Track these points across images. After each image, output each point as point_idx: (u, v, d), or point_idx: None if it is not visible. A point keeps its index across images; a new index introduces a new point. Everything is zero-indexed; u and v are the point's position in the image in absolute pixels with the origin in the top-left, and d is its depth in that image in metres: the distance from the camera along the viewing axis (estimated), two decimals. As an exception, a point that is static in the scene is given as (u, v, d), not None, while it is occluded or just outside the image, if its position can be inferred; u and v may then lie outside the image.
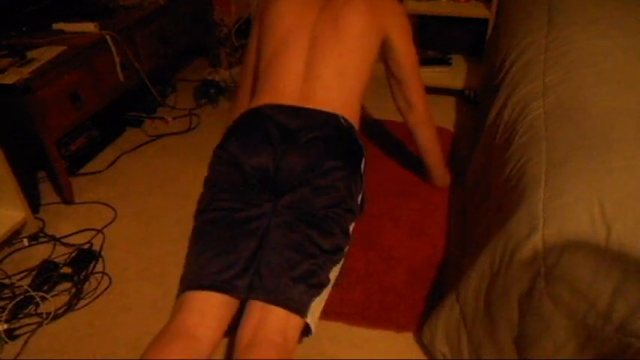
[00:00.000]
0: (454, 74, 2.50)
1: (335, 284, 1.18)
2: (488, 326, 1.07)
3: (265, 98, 1.28)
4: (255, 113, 1.26)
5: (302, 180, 1.16)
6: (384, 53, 1.46)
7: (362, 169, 1.26)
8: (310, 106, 1.25)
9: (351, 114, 1.29)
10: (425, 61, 2.55)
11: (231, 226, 1.14)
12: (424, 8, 2.39)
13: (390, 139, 2.11)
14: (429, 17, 2.55)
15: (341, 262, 1.19)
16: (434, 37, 2.69)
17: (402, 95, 1.53)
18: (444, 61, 2.56)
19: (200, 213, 1.21)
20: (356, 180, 1.22)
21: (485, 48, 2.29)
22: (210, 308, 1.06)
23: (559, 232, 0.91)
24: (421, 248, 1.57)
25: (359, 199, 1.25)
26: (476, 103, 2.31)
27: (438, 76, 2.47)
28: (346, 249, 1.20)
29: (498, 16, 2.17)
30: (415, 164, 1.91)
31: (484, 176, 1.46)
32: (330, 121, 1.24)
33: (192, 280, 1.10)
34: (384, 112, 2.24)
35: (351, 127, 1.28)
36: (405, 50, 1.45)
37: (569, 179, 0.98)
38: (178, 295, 1.12)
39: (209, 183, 1.25)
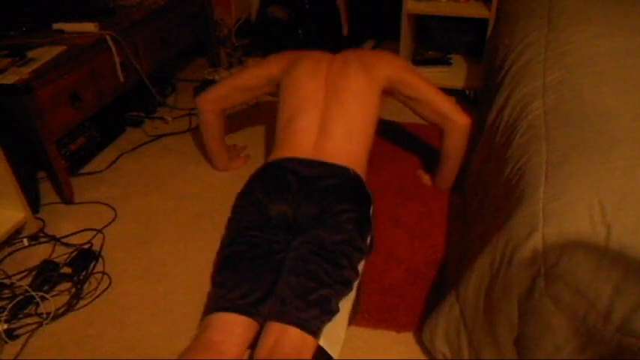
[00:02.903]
0: (454, 74, 2.51)
1: (351, 317, 1.31)
2: (488, 326, 1.07)
3: (284, 152, 1.48)
4: (276, 165, 1.46)
5: (316, 221, 1.33)
6: (397, 95, 1.62)
7: (370, 215, 1.42)
8: (323, 159, 1.44)
9: (358, 166, 1.47)
10: (425, 61, 2.55)
11: (255, 258, 1.29)
12: (424, 8, 2.39)
13: (391, 140, 2.11)
14: (429, 17, 2.55)
15: (350, 295, 1.31)
16: (434, 37, 2.69)
17: (432, 112, 1.61)
18: (444, 61, 2.57)
19: (227, 246, 1.36)
20: (364, 223, 1.38)
21: (485, 48, 2.29)
22: (234, 328, 1.18)
23: (559, 232, 0.91)
24: (421, 248, 1.57)
25: (368, 240, 1.39)
26: (476, 103, 2.31)
27: (438, 76, 2.47)
28: (354, 284, 1.32)
29: (498, 16, 2.17)
30: (416, 165, 1.92)
31: (484, 176, 1.46)
32: (341, 172, 1.42)
33: (219, 303, 1.22)
34: (386, 112, 2.24)
35: (359, 177, 1.46)
36: (410, 80, 1.59)
37: (569, 179, 0.98)
38: (203, 317, 1.26)
39: (234, 222, 1.42)
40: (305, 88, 1.55)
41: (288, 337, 1.13)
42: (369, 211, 1.42)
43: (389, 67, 1.59)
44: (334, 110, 1.50)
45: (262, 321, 1.20)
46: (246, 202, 1.41)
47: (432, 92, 1.60)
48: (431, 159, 1.92)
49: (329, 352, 1.17)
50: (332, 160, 1.43)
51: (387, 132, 2.16)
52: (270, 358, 1.11)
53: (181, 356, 1.15)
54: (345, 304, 1.28)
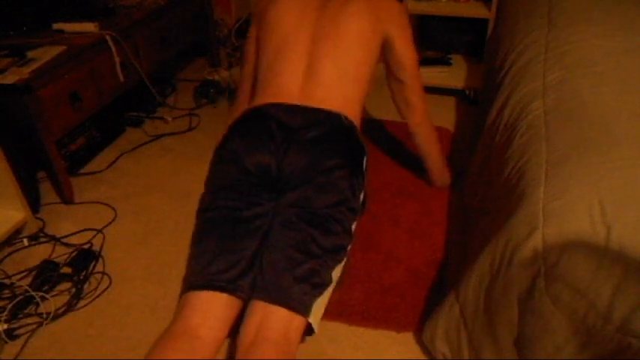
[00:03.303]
0: (454, 74, 2.50)
1: (337, 283, 1.19)
2: (488, 326, 1.07)
3: (266, 97, 1.29)
4: (257, 112, 1.26)
5: (304, 178, 1.17)
6: (385, 53, 1.46)
7: (364, 168, 1.27)
8: (311, 104, 1.25)
9: (352, 113, 1.29)
10: (425, 61, 2.55)
11: (233, 225, 1.14)
12: (424, 8, 2.39)
13: (390, 139, 2.11)
14: (429, 17, 2.55)
15: (343, 262, 1.19)
16: (434, 37, 2.69)
17: (401, 96, 1.54)
18: (444, 61, 2.56)
19: (202, 212, 1.22)
20: (358, 179, 1.22)
21: (486, 48, 2.29)
22: (213, 308, 1.06)
23: (559, 232, 0.91)
24: (421, 248, 1.57)
25: (361, 197, 1.25)
26: (476, 103, 2.31)
27: (438, 76, 2.47)
28: (349, 248, 1.20)
29: (498, 16, 2.17)
30: (415, 164, 1.91)
31: (484, 176, 1.46)
32: (331, 119, 1.24)
33: (195, 280, 1.10)
34: (384, 112, 2.24)
35: (352, 125, 1.28)
36: (405, 51, 1.45)
37: (569, 179, 0.98)
38: (181, 295, 1.13)
39: (211, 182, 1.25)
40: (289, 23, 1.34)
41: (273, 317, 1.03)
42: (362, 163, 1.26)
43: (395, 27, 1.42)
44: (327, 49, 1.30)
45: (245, 297, 1.09)
46: (223, 157, 1.24)
47: (415, 78, 1.50)
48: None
49: (313, 326, 1.08)
50: (321, 105, 1.25)
51: (386, 132, 2.16)
52: (255, 343, 1.01)
53: (156, 345, 1.03)
54: (336, 271, 1.17)
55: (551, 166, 1.04)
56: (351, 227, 1.20)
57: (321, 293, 1.10)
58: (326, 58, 1.29)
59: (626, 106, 1.15)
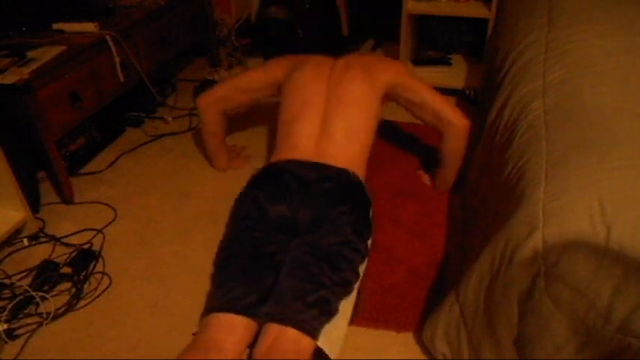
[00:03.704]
0: (454, 74, 2.51)
1: (352, 317, 1.31)
2: (488, 326, 1.07)
3: (285, 154, 1.49)
4: (277, 167, 1.47)
5: (315, 224, 1.34)
6: (398, 99, 1.64)
7: (370, 217, 1.43)
8: (324, 161, 1.44)
9: (358, 169, 1.49)
10: (425, 61, 2.55)
11: (254, 259, 1.30)
12: (424, 8, 2.39)
13: (391, 140, 2.11)
14: (429, 17, 2.55)
15: (350, 297, 1.30)
16: (434, 37, 2.69)
17: (432, 115, 1.62)
18: (444, 61, 2.57)
19: (226, 246, 1.38)
20: (363, 225, 1.38)
21: (486, 48, 2.29)
22: (234, 328, 1.18)
23: (559, 232, 0.91)
24: (421, 248, 1.57)
25: (368, 243, 1.39)
26: (476, 103, 2.31)
27: (438, 76, 2.47)
28: (355, 285, 1.32)
29: (498, 16, 2.17)
30: (415, 165, 1.91)
31: (484, 176, 1.47)
32: (340, 174, 1.43)
33: (218, 304, 1.23)
34: (385, 112, 2.24)
35: (358, 180, 1.47)
36: (410, 84, 1.61)
37: (569, 179, 0.98)
38: (202, 317, 1.26)
39: (234, 223, 1.42)
40: (307, 92, 1.56)
41: (286, 337, 1.14)
42: (368, 213, 1.42)
43: (389, 73, 1.61)
44: (335, 114, 1.51)
45: (261, 322, 1.20)
46: (246, 202, 1.42)
47: (431, 95, 1.61)
48: (431, 159, 1.92)
49: (327, 352, 1.17)
50: (332, 162, 1.45)
51: (387, 132, 2.16)
52: (267, 358, 1.11)
53: (181, 355, 1.15)
54: (346, 306, 1.28)
55: (551, 166, 1.04)
56: (357, 267, 1.33)
57: (328, 320, 1.21)
58: (336, 122, 1.50)
59: (626, 106, 1.15)
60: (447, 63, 2.56)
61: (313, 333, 1.16)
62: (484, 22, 2.34)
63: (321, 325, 1.19)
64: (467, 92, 2.41)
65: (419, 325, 1.31)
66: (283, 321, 1.16)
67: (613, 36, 1.46)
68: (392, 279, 1.46)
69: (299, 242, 1.32)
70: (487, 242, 1.07)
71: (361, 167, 1.51)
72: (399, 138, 2.12)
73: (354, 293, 1.32)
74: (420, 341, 1.28)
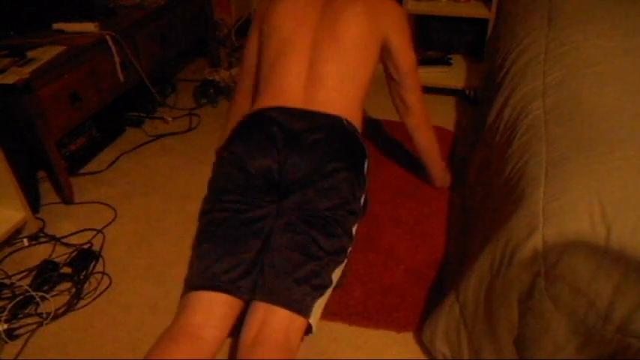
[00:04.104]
0: (454, 74, 2.51)
1: (337, 285, 1.20)
2: (488, 326, 1.07)
3: (268, 101, 1.30)
4: (259, 115, 1.28)
5: (305, 181, 1.18)
6: (383, 54, 1.47)
7: (365, 171, 1.29)
8: (313, 108, 1.27)
9: (353, 116, 1.31)
10: (425, 61, 2.55)
11: (236, 227, 1.16)
12: (424, 8, 2.39)
13: (389, 140, 2.11)
14: (429, 17, 2.55)
15: (344, 263, 1.21)
16: (434, 37, 2.69)
17: (399, 96, 1.54)
18: (444, 61, 2.57)
19: (204, 214, 1.23)
20: (359, 181, 1.24)
21: (486, 48, 2.29)
22: (214, 308, 1.08)
23: (559, 232, 0.91)
24: (421, 248, 1.57)
25: (362, 200, 1.27)
26: (476, 103, 2.31)
27: (438, 76, 2.47)
28: (349, 250, 1.22)
29: (498, 16, 2.17)
30: (415, 164, 1.91)
31: (484, 176, 1.46)
32: (332, 123, 1.26)
33: (197, 280, 1.12)
34: (384, 112, 2.24)
35: (353, 129, 1.30)
36: (403, 52, 1.45)
37: (569, 179, 0.98)
38: (182, 295, 1.14)
39: (213, 185, 1.27)
40: (293, 26, 1.34)
41: (275, 318, 1.05)
42: (363, 166, 1.28)
43: (394, 30, 1.42)
44: (328, 53, 1.30)
45: (247, 297, 1.10)
46: (226, 160, 1.26)
47: (412, 77, 1.50)
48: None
49: (313, 327, 1.10)
50: (323, 109, 1.27)
51: (386, 132, 2.16)
52: (256, 343, 1.02)
53: (158, 342, 1.04)
54: (336, 273, 1.18)
55: (551, 166, 1.04)
56: (351, 229, 1.22)
57: (321, 294, 1.12)
58: (327, 62, 1.30)
59: (626, 106, 1.15)
60: (447, 63, 2.56)
61: (305, 311, 1.07)
62: (484, 22, 2.35)
63: (313, 301, 1.09)
64: (467, 92, 2.41)
65: (419, 325, 1.31)
66: (272, 300, 1.06)
67: (613, 36, 1.46)
68: (392, 279, 1.46)
69: (288, 205, 1.18)
70: (487, 242, 1.07)
71: (356, 113, 1.33)
72: (399, 138, 2.12)
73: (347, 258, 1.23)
74: (420, 341, 1.28)
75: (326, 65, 1.30)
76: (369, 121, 2.22)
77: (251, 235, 1.15)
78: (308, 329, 1.11)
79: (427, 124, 1.60)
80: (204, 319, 1.06)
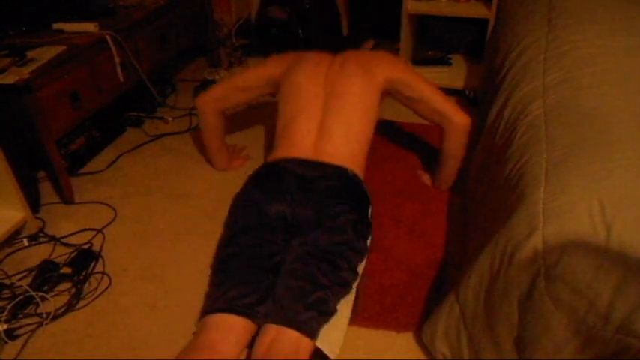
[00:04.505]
0: (454, 74, 2.51)
1: (350, 320, 1.30)
2: (488, 326, 1.07)
3: (283, 153, 1.48)
4: (275, 166, 1.46)
5: (314, 223, 1.33)
6: (397, 95, 1.63)
7: (369, 215, 1.42)
8: (322, 160, 1.44)
9: (357, 167, 1.48)
10: (425, 61, 2.55)
11: (252, 260, 1.29)
12: (424, 8, 2.39)
13: (390, 140, 2.11)
14: (429, 17, 2.55)
15: (349, 296, 1.30)
16: (434, 37, 2.69)
17: (432, 112, 1.62)
18: (444, 61, 2.57)
19: (224, 247, 1.36)
20: (363, 224, 1.38)
21: (486, 48, 2.29)
22: (232, 328, 1.18)
23: (559, 232, 0.91)
24: (421, 248, 1.57)
25: (367, 242, 1.39)
26: (476, 103, 2.31)
27: (438, 76, 2.48)
28: (354, 285, 1.33)
29: (498, 16, 2.17)
30: (415, 164, 1.91)
31: (484, 176, 1.46)
32: (339, 172, 1.43)
33: (217, 304, 1.22)
34: (385, 111, 2.24)
35: (357, 178, 1.46)
36: (412, 81, 1.60)
37: (569, 179, 0.98)
38: (201, 318, 1.25)
39: (232, 224, 1.41)
40: (305, 90, 1.55)
41: (284, 338, 1.14)
42: (367, 212, 1.42)
43: (388, 69, 1.60)
44: (334, 112, 1.50)
45: (260, 322, 1.20)
46: (244, 202, 1.41)
47: (432, 92, 1.60)
48: (431, 159, 1.92)
49: (326, 352, 1.17)
50: (331, 161, 1.44)
51: (387, 132, 2.16)
52: (266, 357, 1.11)
53: (179, 356, 1.15)
54: (345, 306, 1.28)
55: (551, 166, 1.04)
56: (356, 267, 1.33)
57: (326, 321, 1.21)
58: (334, 120, 1.49)
59: (626, 105, 1.15)
60: (447, 63, 2.56)
61: (312, 333, 1.16)
62: (484, 22, 2.34)
63: (320, 325, 1.19)
64: (467, 92, 2.41)
65: (419, 325, 1.31)
66: (282, 322, 1.15)
67: (613, 36, 1.46)
68: (392, 279, 1.46)
69: (298, 242, 1.32)
70: (487, 242, 1.07)
71: (360, 166, 1.51)
72: (399, 138, 2.12)
73: (353, 293, 1.32)
74: (420, 341, 1.28)
75: (333, 123, 1.49)
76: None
77: (265, 267, 1.27)
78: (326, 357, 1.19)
79: (468, 129, 1.63)
80: (222, 337, 1.15)
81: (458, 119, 1.60)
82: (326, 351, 1.17)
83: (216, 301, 1.22)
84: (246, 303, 1.20)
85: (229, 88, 1.78)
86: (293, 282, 1.22)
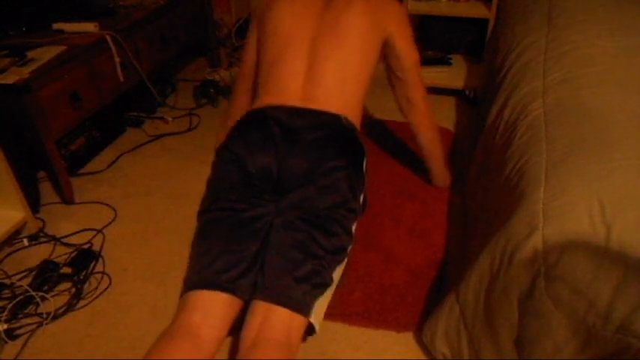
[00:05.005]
0: (454, 74, 2.51)
1: (338, 284, 1.20)
2: (488, 326, 1.07)
3: (268, 99, 1.30)
4: (258, 114, 1.28)
5: (305, 179, 1.18)
6: (386, 52, 1.47)
7: (364, 169, 1.29)
8: (312, 106, 1.26)
9: (352, 114, 1.31)
10: (425, 61, 2.53)
11: (235, 225, 1.15)
12: (424, 8, 2.39)
13: (390, 139, 2.11)
14: (429, 17, 2.55)
15: (344, 262, 1.21)
16: (434, 37, 2.69)
17: (403, 94, 1.54)
18: (444, 61, 2.57)
19: (203, 212, 1.23)
20: (358, 180, 1.24)
21: (486, 48, 2.29)
22: (213, 307, 1.07)
23: (559, 232, 0.91)
24: (421, 248, 1.57)
25: (361, 198, 1.27)
26: (476, 103, 2.31)
27: (438, 76, 2.47)
28: (349, 248, 1.22)
29: (498, 16, 2.17)
30: (416, 164, 1.91)
31: (484, 176, 1.46)
32: (331, 121, 1.26)
33: (196, 279, 1.11)
34: (385, 111, 2.24)
35: (352, 127, 1.30)
36: (406, 48, 1.46)
37: (569, 179, 0.98)
38: (182, 295, 1.14)
39: (212, 183, 1.27)
40: (290, 25, 1.34)
41: (275, 317, 1.04)
42: (362, 164, 1.28)
43: (395, 26, 1.42)
44: (327, 51, 1.31)
45: (246, 297, 1.10)
46: (225, 158, 1.26)
47: (415, 71, 1.50)
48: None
49: (315, 325, 1.09)
50: (322, 107, 1.27)
51: (387, 132, 2.16)
52: (256, 343, 1.02)
53: (157, 342, 1.04)
54: (337, 272, 1.18)
55: (551, 166, 1.04)
56: (351, 228, 1.21)
57: (321, 293, 1.11)
58: (327, 60, 1.30)
59: (626, 105, 1.15)
60: (447, 63, 2.56)
61: (305, 310, 1.06)
62: (484, 22, 2.34)
63: (314, 299, 1.08)
64: (467, 92, 2.41)
65: (419, 325, 1.31)
66: (272, 299, 1.05)
67: (613, 36, 1.46)
68: (392, 279, 1.46)
69: (287, 203, 1.18)
70: (487, 242, 1.07)
71: (355, 111, 1.33)
72: (399, 138, 2.12)
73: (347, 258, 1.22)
74: (420, 341, 1.28)
75: (325, 63, 1.30)
76: (370, 121, 2.22)
77: (250, 233, 1.15)
78: (311, 330, 1.10)
79: (431, 121, 1.60)
80: (202, 319, 1.05)
81: (421, 106, 1.52)
82: (315, 324, 1.09)
83: (197, 276, 1.11)
84: (229, 277, 1.08)
85: (244, 78, 1.57)
86: (282, 251, 1.10)
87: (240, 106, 1.58)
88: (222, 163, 1.27)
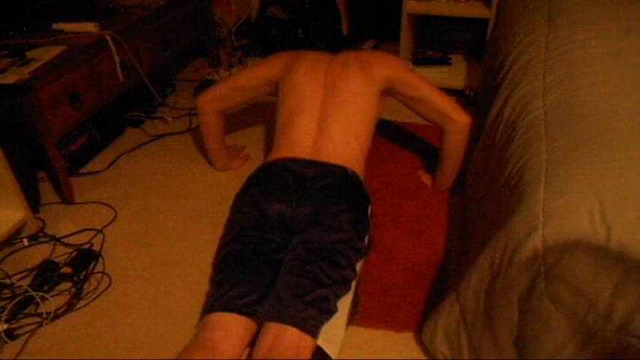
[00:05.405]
0: (454, 74, 2.51)
1: (351, 316, 1.30)
2: (488, 326, 1.07)
3: (283, 152, 1.49)
4: (274, 165, 1.47)
5: (313, 221, 1.33)
6: (397, 95, 1.63)
7: (369, 214, 1.42)
8: (321, 159, 1.45)
9: (356, 166, 1.49)
10: (425, 61, 2.55)
11: (252, 258, 1.30)
12: (424, 8, 2.39)
13: (391, 139, 2.11)
14: (429, 17, 2.55)
15: (349, 294, 1.31)
16: (434, 37, 2.69)
17: (432, 111, 1.62)
18: (444, 61, 2.57)
19: (225, 245, 1.37)
20: (363, 223, 1.38)
21: (485, 48, 2.29)
22: (232, 328, 1.18)
23: (559, 232, 0.91)
24: (421, 248, 1.57)
25: (366, 239, 1.40)
26: (476, 103, 2.31)
27: (438, 76, 2.48)
28: (353, 283, 1.33)
29: (498, 16, 2.17)
30: (416, 164, 1.91)
31: (484, 176, 1.46)
32: (338, 171, 1.43)
33: (217, 303, 1.22)
34: (385, 112, 2.24)
35: (357, 177, 1.46)
36: (411, 81, 1.61)
37: (569, 179, 0.98)
38: (202, 317, 1.26)
39: (232, 222, 1.42)
40: (304, 88, 1.56)
41: (286, 336, 1.13)
42: (367, 210, 1.42)
43: (387, 68, 1.60)
44: (333, 110, 1.51)
45: (260, 321, 1.20)
46: (244, 202, 1.42)
47: (431, 91, 1.60)
48: (431, 159, 1.92)
49: (327, 351, 1.17)
50: (330, 159, 1.45)
51: (387, 132, 2.16)
52: (268, 357, 1.11)
53: (179, 356, 1.15)
54: (344, 305, 1.28)
55: (551, 166, 1.04)
56: (355, 265, 1.33)
57: (327, 319, 1.21)
58: (333, 118, 1.50)
59: (626, 105, 1.15)
60: (446, 63, 2.56)
61: (313, 332, 1.16)
62: (484, 22, 2.34)
63: (321, 323, 1.19)
64: (467, 92, 2.41)
65: (419, 325, 1.31)
66: (283, 320, 1.15)
67: (613, 36, 1.46)
68: (392, 279, 1.46)
69: (298, 240, 1.32)
70: (487, 242, 1.07)
71: (360, 165, 1.51)
72: (399, 138, 2.12)
73: (352, 291, 1.33)
74: (420, 341, 1.28)
75: (333, 122, 1.50)
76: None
77: (266, 265, 1.28)
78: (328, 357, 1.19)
79: (468, 129, 1.62)
80: (223, 337, 1.15)
81: (458, 118, 1.59)
82: (327, 350, 1.17)
83: (217, 301, 1.22)
84: (247, 302, 1.20)
85: (229, 88, 1.78)
86: (293, 279, 1.22)
87: (216, 123, 1.82)
88: (241, 205, 1.42)
